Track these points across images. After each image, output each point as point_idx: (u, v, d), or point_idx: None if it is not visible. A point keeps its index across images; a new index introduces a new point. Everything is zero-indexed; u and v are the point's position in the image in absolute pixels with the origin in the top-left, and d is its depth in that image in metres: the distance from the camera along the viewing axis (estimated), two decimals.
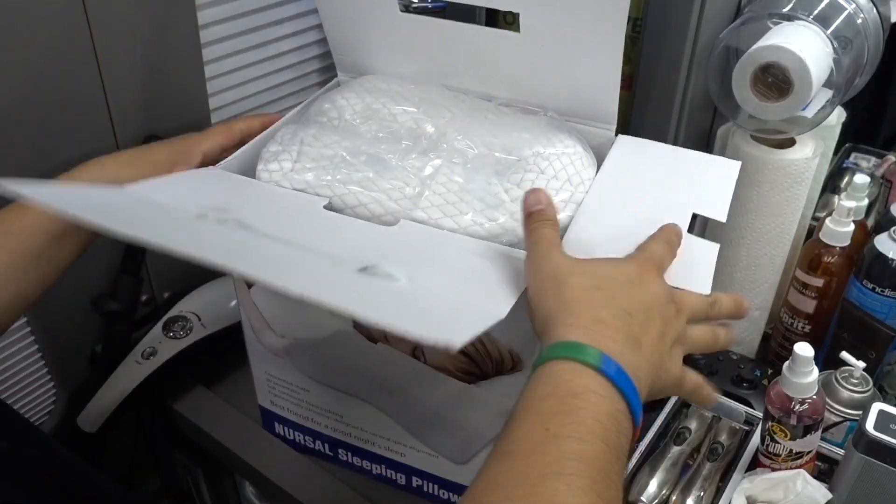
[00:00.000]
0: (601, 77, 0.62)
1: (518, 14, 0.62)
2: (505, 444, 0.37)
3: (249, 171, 0.61)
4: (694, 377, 0.49)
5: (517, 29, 0.63)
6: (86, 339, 0.77)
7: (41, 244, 0.56)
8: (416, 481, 0.68)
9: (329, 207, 0.57)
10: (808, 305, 0.76)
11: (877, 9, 0.70)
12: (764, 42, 0.62)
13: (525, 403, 0.39)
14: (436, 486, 0.68)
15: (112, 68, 0.69)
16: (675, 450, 0.69)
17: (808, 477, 0.60)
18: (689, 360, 0.78)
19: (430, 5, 0.77)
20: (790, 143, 0.72)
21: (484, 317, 0.44)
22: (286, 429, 0.74)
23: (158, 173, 0.57)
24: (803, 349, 0.59)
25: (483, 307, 0.46)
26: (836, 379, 0.67)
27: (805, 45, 0.61)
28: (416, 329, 0.39)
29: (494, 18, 0.80)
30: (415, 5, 0.78)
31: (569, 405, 0.38)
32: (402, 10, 0.67)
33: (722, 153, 0.75)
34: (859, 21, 0.69)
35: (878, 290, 0.70)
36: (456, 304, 0.47)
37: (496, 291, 0.48)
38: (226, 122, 0.65)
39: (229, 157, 0.61)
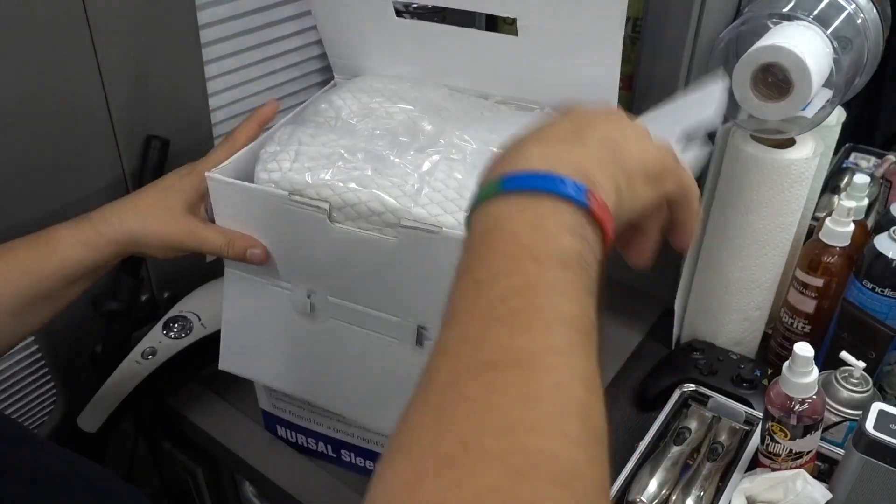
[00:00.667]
0: (601, 77, 0.62)
1: (517, 19, 0.62)
2: (446, 312, 0.34)
3: (247, 173, 0.61)
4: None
5: (516, 30, 0.63)
6: (86, 339, 0.77)
7: (54, 286, 0.59)
8: None
9: (329, 208, 0.57)
10: (808, 305, 0.76)
11: (877, 9, 0.70)
12: (764, 42, 0.62)
13: (457, 268, 0.35)
14: None
15: (112, 68, 0.69)
16: (675, 450, 0.69)
17: (808, 477, 0.60)
18: (688, 360, 0.79)
19: (429, 5, 0.77)
20: (790, 143, 0.72)
21: None
22: (289, 431, 0.74)
23: (176, 217, 0.61)
24: (803, 349, 0.59)
25: None
26: (836, 379, 0.67)
27: (805, 45, 0.61)
28: None
29: (494, 20, 0.80)
30: (413, 7, 0.78)
31: (485, 246, 0.34)
32: (397, 15, 0.68)
33: (722, 153, 0.75)
34: (859, 21, 0.69)
35: (877, 290, 0.70)
36: None
37: None
38: (226, 139, 0.65)
39: (225, 163, 0.61)
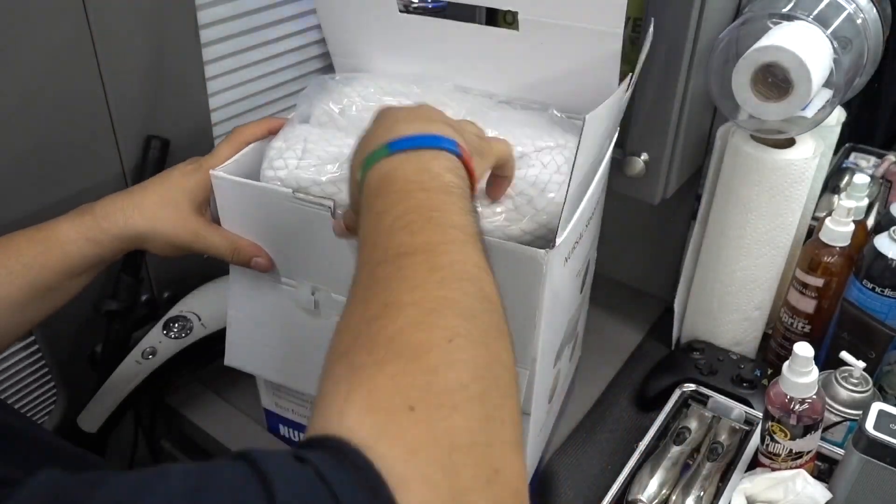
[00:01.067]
0: (601, 77, 0.62)
1: (517, 14, 0.62)
2: (359, 240, 0.41)
3: (253, 171, 0.61)
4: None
5: (517, 28, 0.63)
6: (86, 339, 0.77)
7: (58, 280, 0.58)
8: None
9: (333, 206, 0.57)
10: (808, 305, 0.76)
11: (877, 9, 0.70)
12: (764, 42, 0.62)
13: (360, 209, 0.44)
14: None
15: (112, 68, 0.69)
16: (675, 449, 0.69)
17: (808, 477, 0.60)
18: (688, 360, 0.79)
19: (429, 5, 0.77)
20: (790, 143, 0.72)
21: None
22: (291, 430, 0.74)
23: (184, 217, 0.60)
24: (803, 349, 0.59)
25: None
26: (836, 379, 0.67)
27: (805, 46, 0.61)
28: None
29: (494, 18, 0.80)
30: (414, 5, 0.78)
31: (381, 187, 0.42)
32: (401, 11, 0.67)
33: (722, 153, 0.75)
34: (859, 21, 0.69)
35: (877, 289, 0.70)
36: None
37: None
38: (230, 136, 0.65)
39: (229, 161, 0.61)
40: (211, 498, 0.28)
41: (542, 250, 0.50)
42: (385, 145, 0.44)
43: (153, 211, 0.60)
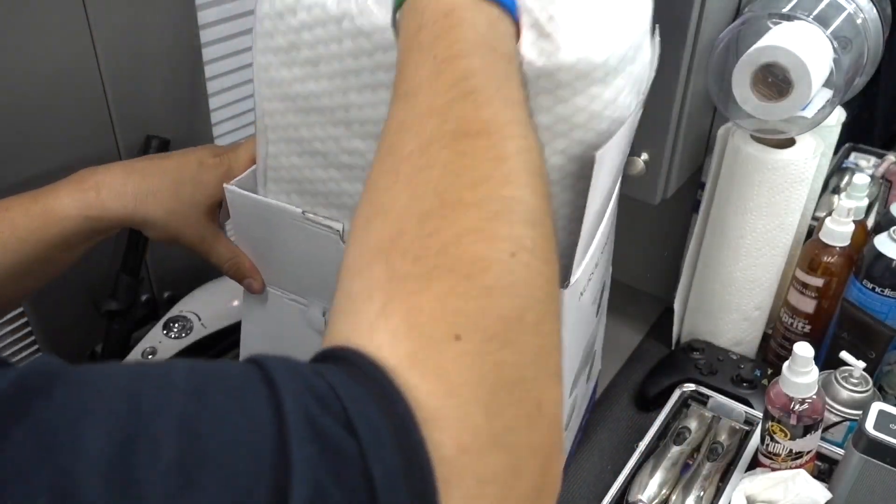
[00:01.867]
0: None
1: None
2: (401, 87, 0.35)
3: None
4: None
5: None
6: (86, 338, 0.77)
7: (52, 253, 0.55)
8: None
9: (342, 230, 0.56)
10: (808, 305, 0.76)
11: (877, 9, 0.70)
12: (764, 42, 0.62)
13: (404, 44, 0.37)
14: None
15: (112, 68, 0.69)
16: (675, 449, 0.69)
17: (808, 477, 0.60)
18: (687, 360, 0.79)
19: None
20: (790, 143, 0.72)
21: None
22: None
23: (195, 219, 0.58)
24: (803, 349, 0.59)
25: None
26: (836, 379, 0.67)
27: (805, 46, 0.61)
28: None
29: None
30: None
31: (443, 26, 0.35)
32: None
33: (722, 153, 0.75)
34: (859, 21, 0.69)
35: (877, 290, 0.70)
36: None
37: None
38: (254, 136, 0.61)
39: (250, 169, 0.60)
40: (212, 400, 0.24)
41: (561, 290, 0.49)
42: None
43: (167, 203, 0.57)
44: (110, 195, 0.55)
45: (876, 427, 0.56)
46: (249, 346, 0.68)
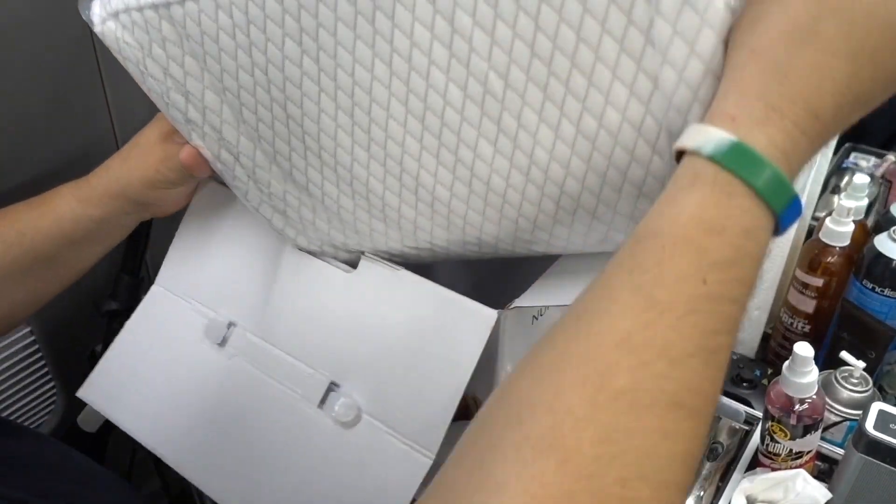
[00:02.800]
0: None
1: None
2: (647, 281, 0.27)
3: None
4: None
5: None
6: (86, 338, 0.77)
7: (55, 248, 0.56)
8: None
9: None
10: (808, 305, 0.76)
11: None
12: None
13: (676, 225, 0.28)
14: None
15: (112, 68, 0.69)
16: None
17: (808, 476, 0.60)
18: None
19: None
20: None
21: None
22: None
23: (153, 148, 0.56)
24: (803, 349, 0.59)
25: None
26: (836, 379, 0.67)
27: None
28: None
29: None
30: None
31: (738, 250, 0.28)
32: None
33: None
34: None
35: (877, 289, 0.70)
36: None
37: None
38: None
39: None
40: None
41: (496, 311, 0.48)
42: (738, 149, 0.28)
43: (130, 153, 0.57)
44: (94, 173, 0.57)
45: (876, 427, 0.56)
46: (113, 359, 0.64)
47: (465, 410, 0.55)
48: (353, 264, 0.55)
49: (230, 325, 0.59)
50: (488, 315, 0.48)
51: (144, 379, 0.62)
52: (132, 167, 0.57)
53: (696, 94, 0.37)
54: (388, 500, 0.49)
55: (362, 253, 0.54)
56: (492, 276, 0.57)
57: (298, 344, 0.55)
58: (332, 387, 0.53)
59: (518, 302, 0.49)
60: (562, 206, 0.45)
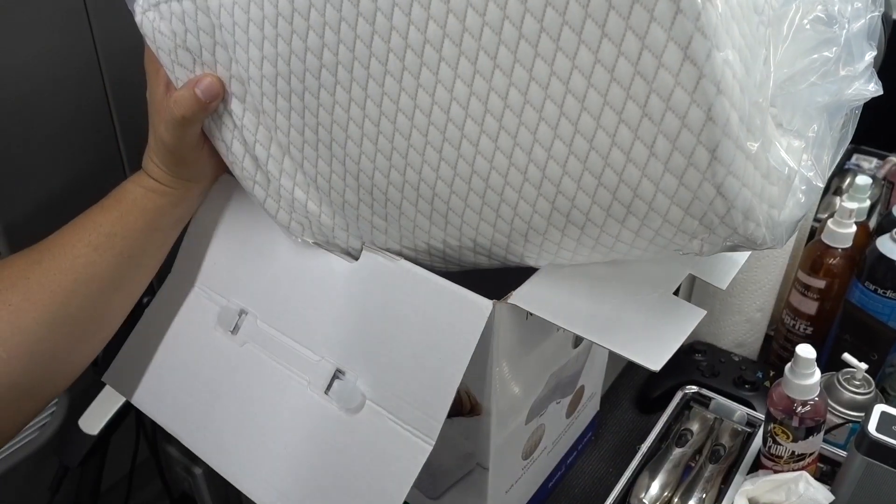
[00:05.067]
0: None
1: None
2: None
3: None
4: None
5: None
6: None
7: (145, 241, 0.58)
8: None
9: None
10: (810, 307, 0.76)
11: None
12: None
13: None
14: None
15: (113, 69, 0.69)
16: (677, 452, 0.69)
17: (811, 479, 0.60)
18: (689, 362, 0.79)
19: None
20: None
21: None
22: None
23: (162, 101, 0.55)
24: (805, 351, 0.59)
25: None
26: (839, 381, 0.67)
27: None
28: None
29: None
30: None
31: None
32: None
33: None
34: None
35: (880, 291, 0.70)
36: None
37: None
38: None
39: None
40: None
41: (490, 301, 0.48)
42: None
43: (150, 117, 0.57)
44: (145, 158, 0.58)
45: (878, 429, 0.56)
46: (134, 347, 0.66)
47: (459, 406, 0.56)
48: (356, 256, 0.56)
49: (241, 312, 0.60)
50: (483, 305, 0.48)
51: (163, 364, 0.64)
52: (155, 121, 0.57)
53: (692, 97, 0.37)
54: (391, 482, 0.50)
55: (363, 244, 0.55)
56: (491, 271, 0.58)
57: (305, 332, 0.57)
58: (338, 374, 0.54)
59: (515, 300, 0.50)
60: (557, 207, 0.45)
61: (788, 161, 0.43)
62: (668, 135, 0.39)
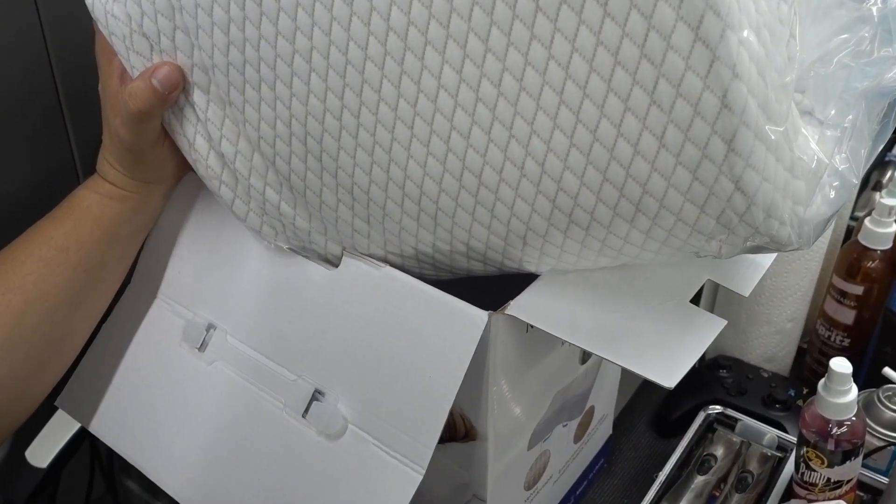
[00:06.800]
0: None
1: None
2: None
3: None
4: None
5: None
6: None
7: (103, 252, 0.58)
8: None
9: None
10: (847, 316, 0.76)
11: None
12: None
13: None
14: None
15: (64, 59, 0.69)
16: (700, 480, 0.69)
17: None
18: (713, 379, 0.79)
19: None
20: None
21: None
22: None
23: (116, 94, 0.56)
24: (840, 365, 0.59)
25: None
26: (879, 398, 0.67)
27: None
28: None
29: None
30: None
31: None
32: None
33: None
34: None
35: None
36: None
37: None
38: None
39: None
40: None
41: (485, 312, 0.48)
42: None
43: (104, 112, 0.58)
44: (99, 161, 0.59)
45: None
46: (91, 366, 0.66)
47: (453, 430, 0.56)
48: (336, 263, 0.56)
49: (209, 327, 0.60)
50: (478, 317, 0.48)
51: (121, 387, 0.64)
52: (110, 116, 0.57)
53: (704, 81, 0.37)
54: None
55: (343, 249, 0.55)
56: (486, 279, 0.57)
57: (280, 348, 0.57)
58: (317, 395, 0.54)
59: (514, 311, 0.50)
60: (558, 206, 0.45)
61: (817, 153, 0.43)
62: (679, 124, 0.39)
